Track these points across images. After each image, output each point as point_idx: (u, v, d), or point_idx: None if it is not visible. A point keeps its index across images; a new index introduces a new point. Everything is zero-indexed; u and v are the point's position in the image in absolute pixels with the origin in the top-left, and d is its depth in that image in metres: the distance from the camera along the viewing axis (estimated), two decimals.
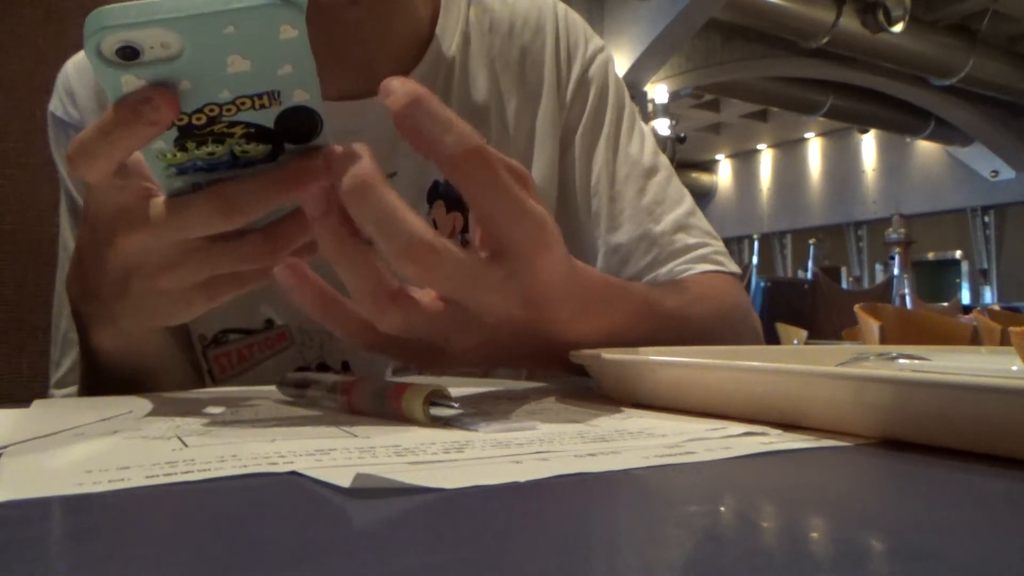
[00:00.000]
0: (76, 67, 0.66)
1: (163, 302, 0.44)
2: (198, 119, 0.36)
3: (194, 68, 0.34)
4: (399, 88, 0.36)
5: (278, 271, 0.39)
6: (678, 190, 0.72)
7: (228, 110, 0.36)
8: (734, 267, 0.71)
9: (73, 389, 0.63)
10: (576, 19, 0.75)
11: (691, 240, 0.69)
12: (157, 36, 0.32)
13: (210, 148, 0.37)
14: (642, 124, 0.76)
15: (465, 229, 0.68)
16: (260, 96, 0.35)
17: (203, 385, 0.65)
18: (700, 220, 0.72)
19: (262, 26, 0.33)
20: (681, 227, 0.69)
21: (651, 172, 0.72)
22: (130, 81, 0.34)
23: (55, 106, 0.66)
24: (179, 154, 0.37)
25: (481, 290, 0.38)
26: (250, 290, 0.44)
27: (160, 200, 0.39)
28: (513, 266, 0.38)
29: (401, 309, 0.37)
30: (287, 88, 0.36)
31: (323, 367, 0.67)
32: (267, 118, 0.37)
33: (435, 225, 0.68)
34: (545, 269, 0.39)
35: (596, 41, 0.75)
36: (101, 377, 0.52)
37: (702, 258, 0.69)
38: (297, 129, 0.38)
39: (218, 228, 0.39)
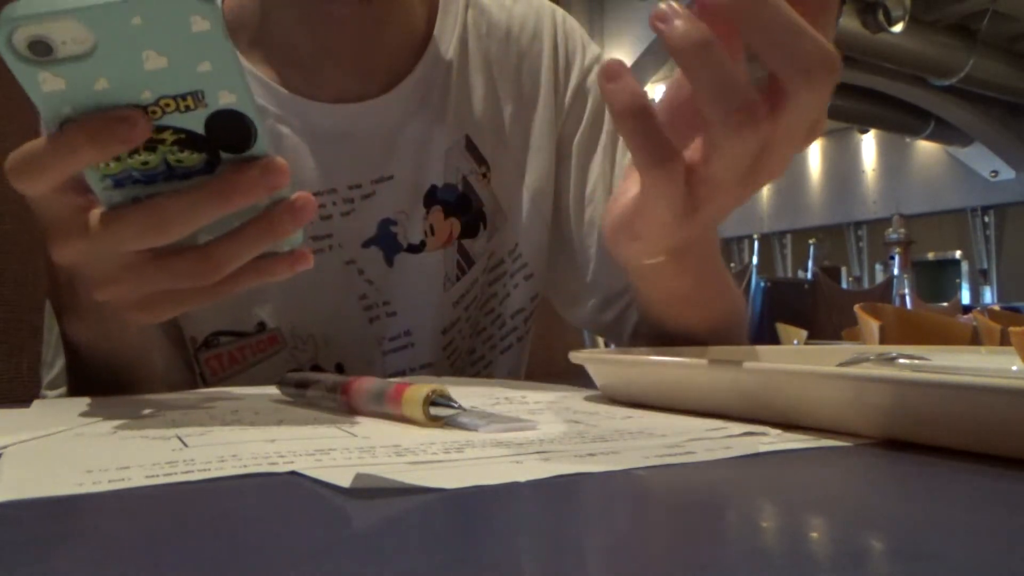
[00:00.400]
0: None
1: (107, 312, 0.42)
2: None
3: (110, 65, 0.33)
4: None
5: (604, 64, 0.35)
6: None
7: (152, 112, 0.35)
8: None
9: (64, 389, 0.63)
10: (574, 25, 0.75)
11: None
12: (68, 30, 0.32)
13: (143, 157, 0.36)
14: None
15: (462, 235, 0.68)
16: (183, 97, 0.35)
17: (196, 387, 0.65)
18: None
19: (170, 18, 0.33)
20: None
21: None
22: (48, 79, 0.33)
23: None
24: (113, 163, 0.36)
25: (822, 118, 0.35)
26: (209, 302, 0.41)
27: (95, 212, 0.38)
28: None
29: (777, 106, 0.33)
30: (211, 88, 0.35)
31: (316, 370, 0.66)
32: (196, 122, 0.36)
33: (432, 231, 0.67)
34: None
35: (593, 48, 0.75)
36: (81, 368, 0.52)
37: None
38: (230, 136, 0.36)
39: (151, 243, 0.38)
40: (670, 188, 0.35)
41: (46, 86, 0.34)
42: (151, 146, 0.36)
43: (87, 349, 0.50)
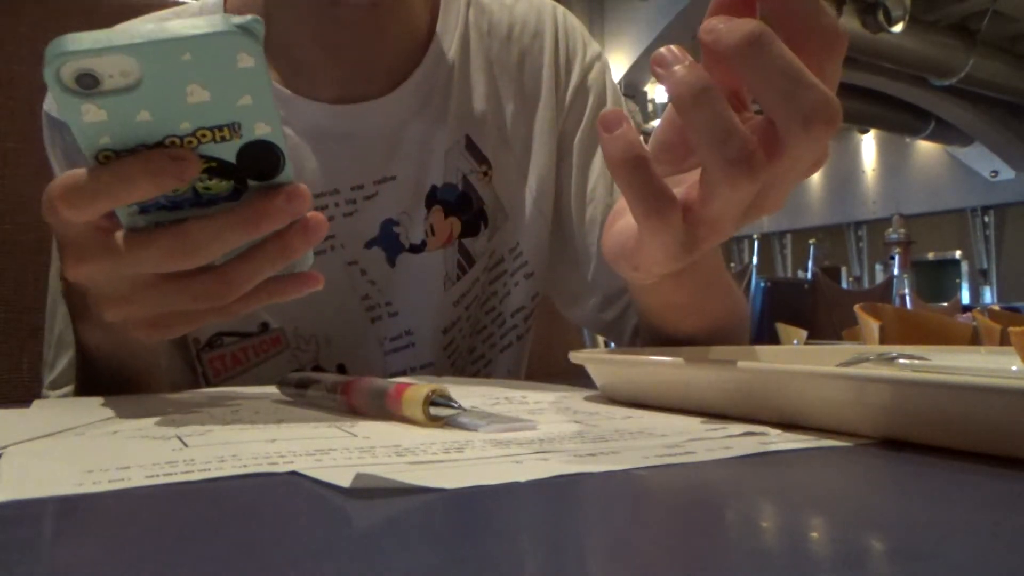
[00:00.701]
0: None
1: (115, 327, 0.43)
2: None
3: (153, 98, 0.34)
4: None
5: (602, 114, 0.35)
6: None
7: (189, 142, 0.35)
8: None
9: (68, 389, 0.63)
10: (574, 23, 0.75)
11: None
12: (116, 64, 0.32)
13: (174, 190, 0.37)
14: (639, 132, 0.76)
15: (462, 235, 0.68)
16: (220, 128, 0.35)
17: (198, 387, 0.65)
18: None
19: (219, 54, 0.33)
20: None
21: None
22: (90, 111, 0.34)
23: (49, 105, 0.66)
24: None
25: (820, 157, 0.35)
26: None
27: (117, 234, 0.38)
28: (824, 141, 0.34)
29: (773, 151, 0.33)
30: (248, 120, 0.35)
31: (318, 371, 0.67)
32: (229, 152, 0.36)
33: (432, 231, 0.68)
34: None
35: (594, 47, 0.75)
36: (92, 371, 0.52)
37: None
38: (260, 165, 0.37)
39: (176, 267, 0.38)
40: (667, 235, 0.35)
41: (88, 117, 0.34)
42: None
43: (101, 354, 0.51)
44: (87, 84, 0.33)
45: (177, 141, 0.35)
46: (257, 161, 0.37)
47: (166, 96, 0.34)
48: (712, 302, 0.55)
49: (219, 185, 0.37)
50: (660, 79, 0.33)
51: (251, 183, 0.38)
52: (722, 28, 0.32)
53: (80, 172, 0.36)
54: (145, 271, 0.39)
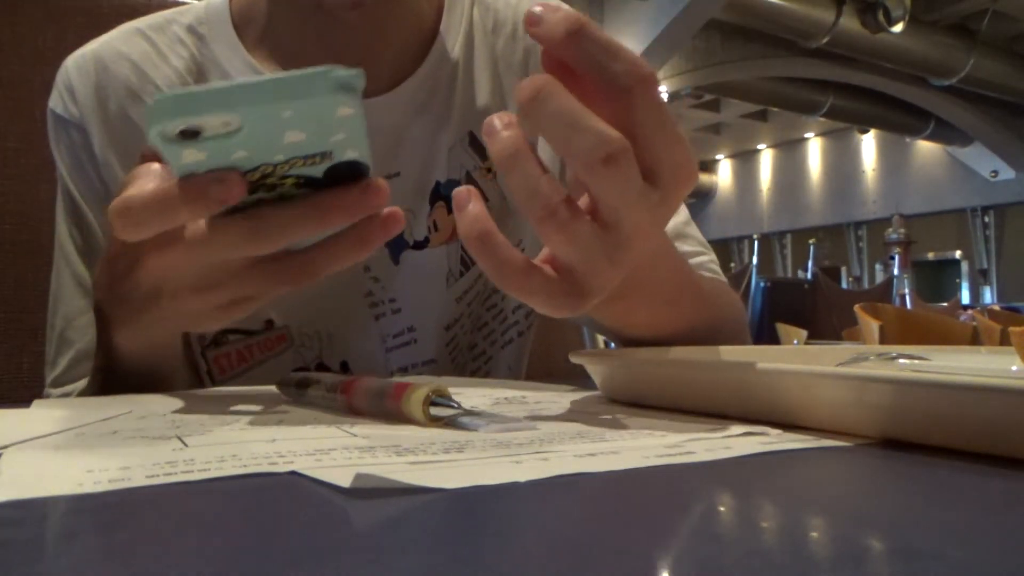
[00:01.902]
0: (76, 64, 0.66)
1: (188, 317, 0.44)
2: (251, 176, 0.37)
3: (251, 141, 0.35)
4: (551, 16, 0.34)
5: (454, 193, 0.38)
6: None
7: (281, 167, 0.36)
8: (724, 279, 0.71)
9: (71, 388, 0.63)
10: None
11: (687, 248, 0.70)
12: (218, 118, 0.33)
13: (260, 194, 0.38)
14: None
15: None
16: (312, 156, 0.36)
17: (201, 385, 0.65)
18: (695, 230, 0.72)
19: (319, 110, 0.34)
20: (678, 235, 0.70)
21: None
22: (191, 154, 0.35)
23: (55, 103, 0.66)
24: None
25: (642, 209, 0.36)
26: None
27: (198, 223, 0.39)
28: (666, 190, 0.37)
29: (571, 211, 0.35)
30: (339, 149, 0.36)
31: (322, 368, 0.67)
32: (317, 171, 0.37)
33: (435, 227, 0.68)
34: (682, 198, 0.38)
35: None
36: (117, 375, 0.52)
37: (699, 266, 0.69)
38: (345, 178, 0.38)
39: (250, 252, 0.39)
40: (536, 292, 0.37)
41: (187, 158, 0.35)
42: (270, 188, 0.37)
43: (131, 355, 0.51)
44: (189, 136, 0.34)
45: (270, 168, 0.36)
46: (343, 175, 0.38)
47: (263, 140, 0.35)
48: (676, 316, 0.53)
49: (302, 193, 0.38)
50: (487, 144, 0.35)
51: None
52: (520, 84, 0.34)
53: (135, 197, 0.37)
54: (226, 256, 0.40)
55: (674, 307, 0.51)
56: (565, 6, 0.35)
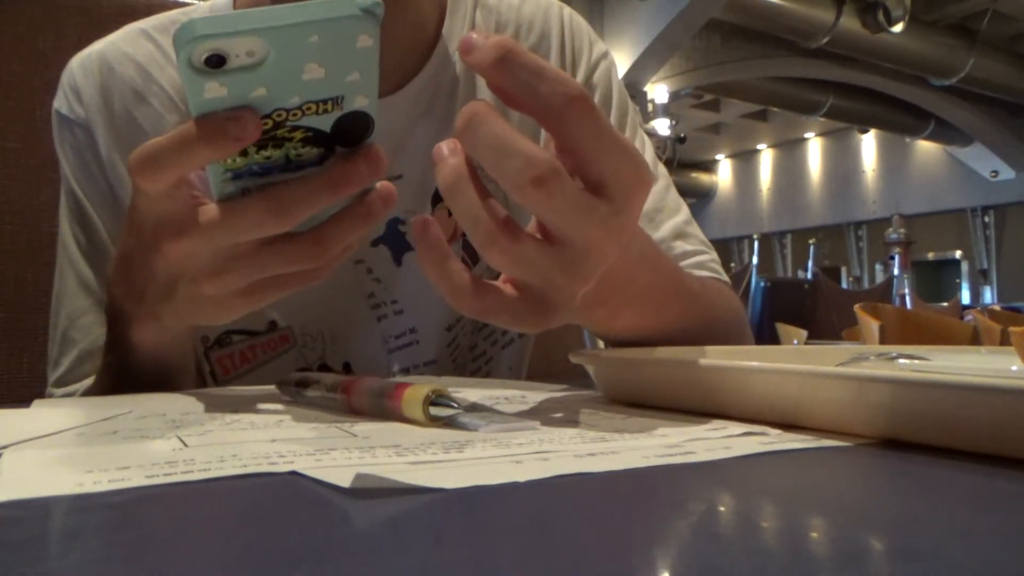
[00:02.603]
0: (81, 64, 0.66)
1: (206, 306, 0.44)
2: (265, 124, 0.37)
3: (273, 75, 0.35)
4: (483, 43, 0.35)
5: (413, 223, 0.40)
6: (676, 199, 0.73)
7: (294, 115, 0.37)
8: (726, 278, 0.71)
9: (75, 387, 0.63)
10: (580, 23, 0.75)
11: (689, 247, 0.69)
12: (245, 45, 0.34)
13: (269, 152, 0.38)
14: (643, 131, 0.76)
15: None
16: (325, 102, 0.37)
17: (203, 386, 0.65)
18: (696, 229, 0.72)
19: (343, 36, 0.35)
20: (680, 234, 0.70)
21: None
22: (213, 88, 0.35)
23: (60, 103, 0.66)
24: (239, 159, 0.38)
25: (591, 224, 0.37)
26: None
27: (211, 206, 0.40)
28: (617, 201, 0.37)
29: (511, 235, 0.36)
30: (351, 94, 0.37)
31: (324, 369, 0.67)
32: (326, 123, 0.38)
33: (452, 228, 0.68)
34: (639, 206, 0.39)
35: (600, 46, 0.75)
36: (131, 372, 0.52)
37: (700, 265, 0.69)
38: (350, 133, 0.39)
39: (271, 230, 0.40)
40: (494, 312, 0.39)
41: (208, 94, 0.35)
42: (279, 143, 0.38)
43: (147, 352, 0.51)
44: (214, 63, 0.34)
45: (283, 114, 0.37)
46: (349, 130, 0.39)
47: (285, 74, 0.35)
48: (666, 317, 0.52)
49: (310, 152, 0.39)
50: (435, 170, 0.37)
51: (339, 149, 0.40)
52: (461, 110, 0.36)
53: (152, 142, 0.38)
54: (243, 238, 0.40)
55: (662, 309, 0.51)
56: (495, 35, 0.36)
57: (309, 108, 0.37)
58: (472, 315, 0.39)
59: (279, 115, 0.37)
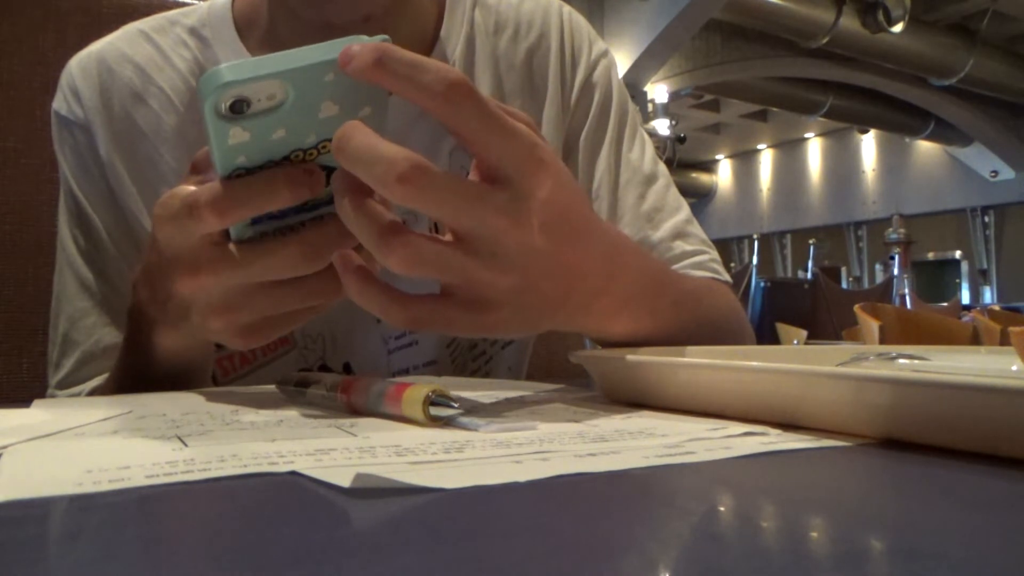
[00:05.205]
0: (80, 65, 0.66)
1: (213, 335, 0.45)
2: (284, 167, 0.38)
3: (291, 117, 0.36)
4: (358, 50, 0.36)
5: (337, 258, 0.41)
6: (676, 198, 0.72)
7: (310, 154, 0.38)
8: (727, 277, 0.71)
9: (79, 389, 0.63)
10: (580, 21, 0.75)
11: (688, 247, 0.69)
12: (267, 88, 0.35)
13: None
14: (643, 130, 0.76)
15: None
16: None
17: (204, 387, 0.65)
18: (697, 229, 0.72)
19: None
20: (679, 234, 0.70)
21: (651, 179, 0.72)
22: (236, 133, 0.36)
23: (59, 104, 0.66)
24: None
25: (488, 212, 0.37)
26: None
27: (233, 246, 0.41)
28: (513, 186, 0.37)
29: (403, 238, 0.37)
30: None
31: (324, 370, 0.67)
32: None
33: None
34: (545, 186, 0.38)
35: (600, 45, 0.75)
36: (152, 371, 0.53)
37: (699, 265, 0.69)
38: None
39: (301, 272, 0.41)
40: (427, 320, 0.39)
41: (232, 139, 0.36)
42: None
43: (169, 354, 0.52)
44: (238, 109, 0.35)
45: (300, 154, 0.38)
46: None
47: (302, 114, 0.36)
48: (659, 319, 0.51)
49: (325, 191, 0.40)
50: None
51: None
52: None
53: (214, 185, 0.39)
54: (270, 277, 0.41)
55: (656, 312, 0.50)
56: (366, 40, 0.37)
57: (324, 147, 0.38)
58: (405, 326, 0.39)
59: (296, 155, 0.37)
